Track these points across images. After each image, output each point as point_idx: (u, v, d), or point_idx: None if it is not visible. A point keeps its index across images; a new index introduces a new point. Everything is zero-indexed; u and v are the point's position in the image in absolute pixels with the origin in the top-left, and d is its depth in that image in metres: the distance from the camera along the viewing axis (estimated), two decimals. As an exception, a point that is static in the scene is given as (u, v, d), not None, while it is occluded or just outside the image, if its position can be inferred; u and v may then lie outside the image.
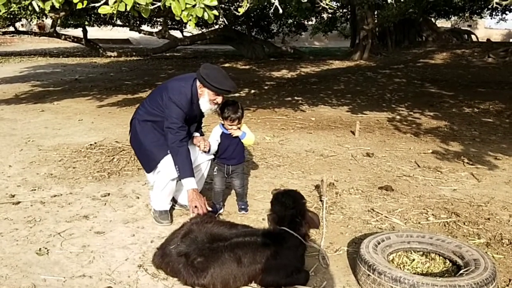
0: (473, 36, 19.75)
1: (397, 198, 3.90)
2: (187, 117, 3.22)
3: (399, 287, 2.25)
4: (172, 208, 3.53)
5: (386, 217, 3.51)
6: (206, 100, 3.18)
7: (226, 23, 5.37)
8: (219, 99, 3.18)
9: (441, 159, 5.04)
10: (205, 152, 3.40)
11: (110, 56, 18.59)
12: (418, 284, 2.21)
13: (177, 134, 3.13)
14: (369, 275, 2.39)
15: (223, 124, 3.40)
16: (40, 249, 2.93)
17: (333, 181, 4.26)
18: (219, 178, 3.54)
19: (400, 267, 2.62)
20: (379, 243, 2.62)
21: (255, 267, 2.48)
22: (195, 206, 3.04)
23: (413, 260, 2.70)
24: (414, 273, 2.52)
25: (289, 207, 2.52)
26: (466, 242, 2.94)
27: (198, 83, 3.19)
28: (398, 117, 7.38)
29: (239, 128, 3.39)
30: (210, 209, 3.20)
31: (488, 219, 3.48)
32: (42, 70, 13.87)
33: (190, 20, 3.24)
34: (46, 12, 4.33)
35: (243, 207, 3.62)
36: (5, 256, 2.85)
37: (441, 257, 2.67)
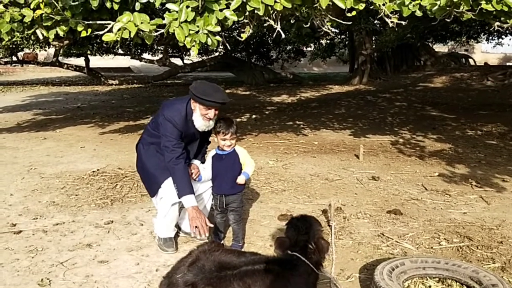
0: (470, 60, 19.97)
1: (407, 222, 3.82)
2: (183, 135, 3.18)
3: (417, 315, 2.16)
4: (177, 235, 3.45)
5: (397, 242, 3.42)
6: (198, 115, 3.13)
7: (229, 48, 5.42)
8: (211, 113, 3.10)
9: (448, 182, 4.98)
10: (195, 180, 3.32)
11: (112, 84, 18.74)
12: (437, 312, 2.12)
13: (173, 152, 3.09)
14: (384, 303, 2.30)
15: (219, 147, 3.27)
16: (42, 279, 2.84)
17: (340, 206, 4.18)
18: (218, 211, 3.35)
19: (415, 294, 2.53)
20: (393, 269, 2.54)
21: (265, 296, 2.38)
22: (196, 227, 2.98)
23: (429, 286, 2.61)
24: (431, 301, 2.44)
25: (302, 232, 2.44)
26: (481, 266, 2.85)
27: (192, 100, 3.17)
28: (401, 140, 7.35)
29: (232, 145, 3.18)
30: (211, 225, 3.12)
31: (501, 242, 3.40)
32: (44, 99, 13.94)
33: (193, 46, 3.26)
34: (50, 40, 4.36)
35: None
36: None
37: (458, 283, 2.58)
